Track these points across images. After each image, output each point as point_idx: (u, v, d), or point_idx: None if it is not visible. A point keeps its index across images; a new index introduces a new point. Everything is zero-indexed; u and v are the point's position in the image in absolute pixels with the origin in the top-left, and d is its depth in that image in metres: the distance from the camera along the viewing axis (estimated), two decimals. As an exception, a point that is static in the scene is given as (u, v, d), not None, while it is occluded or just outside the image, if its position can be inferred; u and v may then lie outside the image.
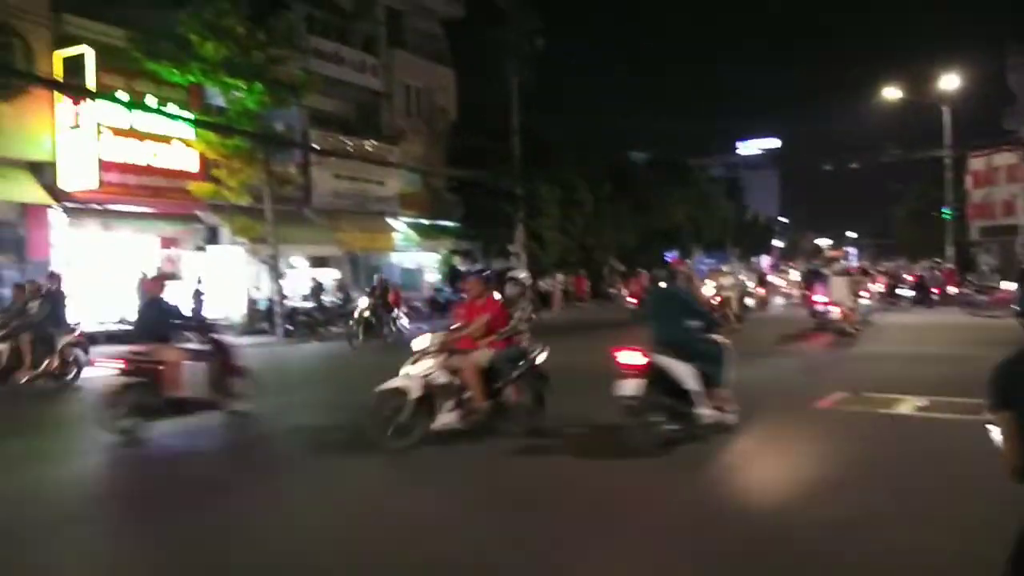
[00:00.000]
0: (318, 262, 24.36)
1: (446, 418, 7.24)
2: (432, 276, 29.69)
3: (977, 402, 8.75)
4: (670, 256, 47.41)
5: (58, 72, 17.16)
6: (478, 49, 28.91)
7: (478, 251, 30.79)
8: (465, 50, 30.08)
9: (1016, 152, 32.88)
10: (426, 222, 28.51)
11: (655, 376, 6.75)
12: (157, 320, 8.37)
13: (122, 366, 8.00)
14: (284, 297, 20.15)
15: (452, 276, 29.73)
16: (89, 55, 17.03)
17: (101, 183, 17.44)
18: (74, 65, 17.09)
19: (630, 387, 6.66)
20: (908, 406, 8.97)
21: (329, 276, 24.12)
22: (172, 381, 8.06)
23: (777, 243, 72.94)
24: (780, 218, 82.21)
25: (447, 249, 29.93)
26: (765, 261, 57.10)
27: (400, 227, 27.35)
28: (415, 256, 28.94)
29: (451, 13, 30.34)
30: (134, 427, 7.79)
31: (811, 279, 21.88)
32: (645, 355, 6.81)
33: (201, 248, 20.72)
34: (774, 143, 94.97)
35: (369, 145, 25.92)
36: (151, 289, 8.84)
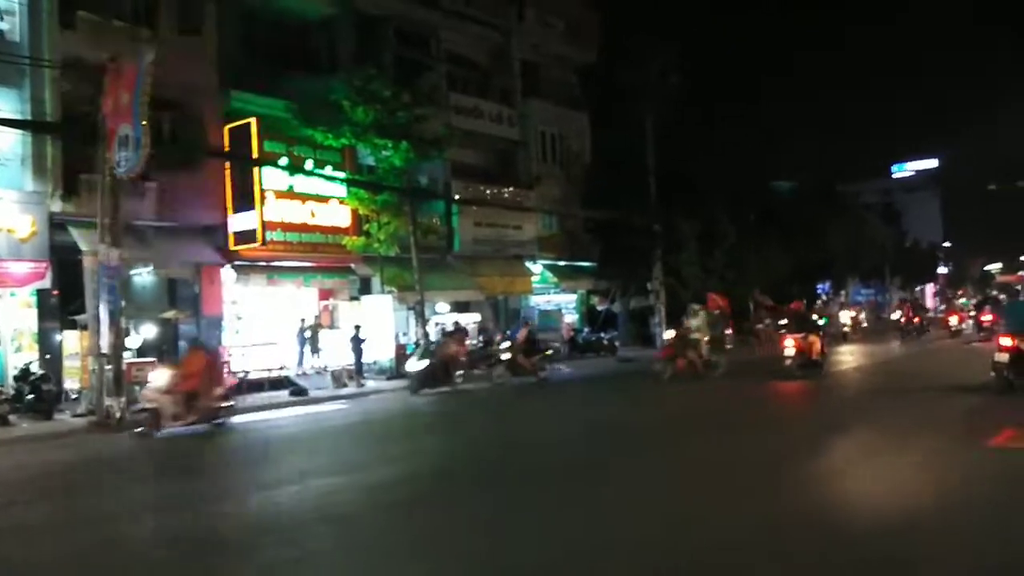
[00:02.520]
0: (461, 307, 25.25)
1: None
2: (571, 316, 29.97)
3: None
4: (823, 287, 45.34)
5: (227, 143, 19.01)
6: (612, 92, 29.33)
7: (616, 290, 30.81)
8: (599, 92, 30.53)
9: None
10: (563, 263, 28.92)
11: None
12: None
13: None
14: (429, 341, 21.02)
15: (591, 316, 29.89)
16: (254, 126, 18.76)
17: (266, 242, 19.01)
18: (241, 136, 18.88)
19: (1002, 356, 12.05)
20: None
21: (471, 320, 24.94)
22: None
23: (941, 270, 67.91)
24: (944, 243, 76.52)
25: (585, 289, 30.16)
26: (929, 289, 53.29)
27: (538, 269, 27.91)
28: (553, 297, 29.35)
29: (585, 60, 30.97)
30: None
31: (983, 306, 21.95)
32: (1013, 340, 12.04)
33: (355, 298, 22.05)
34: (932, 163, 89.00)
35: (507, 192, 26.78)
36: None
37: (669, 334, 19.44)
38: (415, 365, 17.83)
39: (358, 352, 19.27)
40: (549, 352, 20.36)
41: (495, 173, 27.41)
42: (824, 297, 42.04)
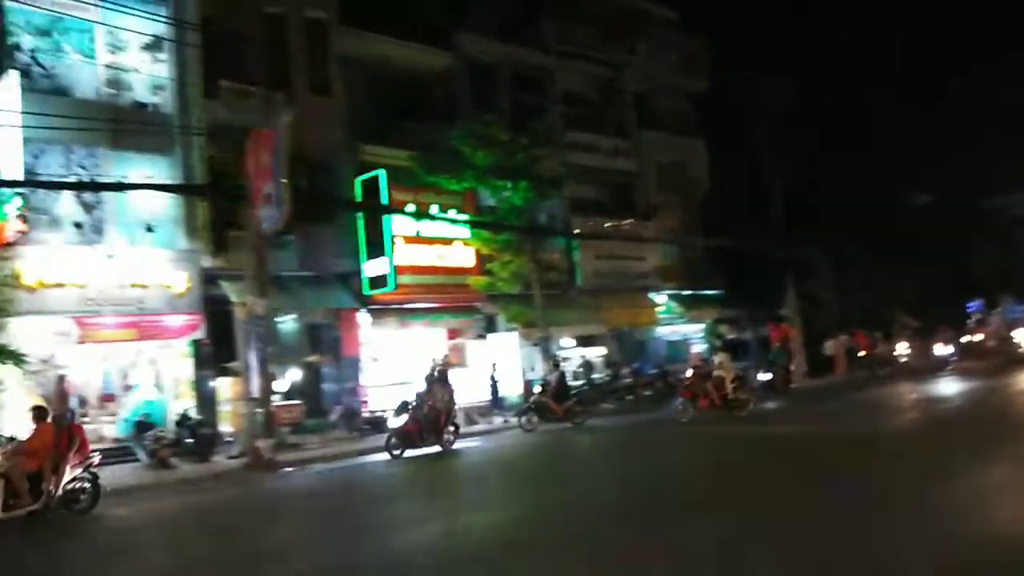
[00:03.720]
0: (585, 341, 25.18)
1: None
2: (699, 346, 29.26)
3: None
4: (973, 306, 42.24)
5: (359, 194, 19.96)
6: (727, 117, 28.84)
7: (744, 319, 29.89)
8: (715, 119, 30.08)
9: None
10: (687, 293, 28.38)
11: None
12: None
13: None
14: (562, 376, 21.03)
15: (721, 345, 29.06)
16: (382, 177, 19.63)
17: (397, 286, 19.71)
18: (370, 186, 19.79)
19: None
20: None
21: (597, 354, 24.82)
22: None
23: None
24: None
25: (711, 318, 29.43)
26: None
27: (661, 300, 27.50)
28: (679, 328, 28.79)
29: (697, 87, 30.67)
30: None
31: None
32: None
33: (481, 336, 22.44)
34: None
35: (625, 224, 26.67)
36: None
37: (688, 372, 17.84)
38: (394, 422, 15.12)
39: (495, 390, 19.49)
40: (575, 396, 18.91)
41: (613, 206, 27.38)
42: (978, 315, 39.08)
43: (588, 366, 23.36)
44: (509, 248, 21.29)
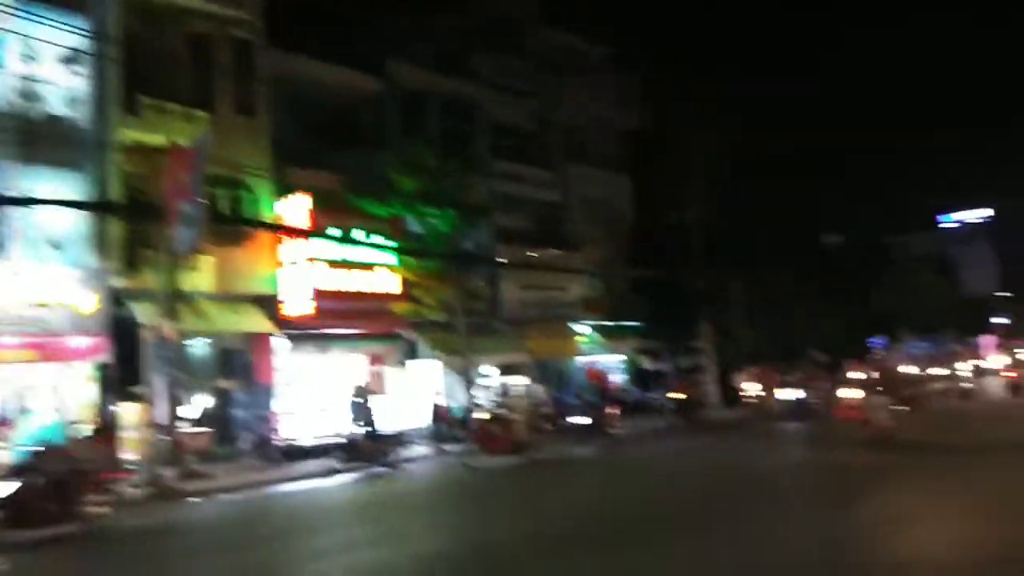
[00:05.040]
0: (508, 370, 25.25)
1: None
2: (619, 377, 29.70)
3: None
4: (877, 343, 44.25)
5: (279, 216, 19.62)
6: (654, 153, 29.65)
7: (663, 350, 30.54)
8: (641, 153, 30.86)
9: None
10: (610, 324, 28.82)
11: None
12: None
13: None
14: (477, 406, 21.03)
15: (639, 376, 29.59)
16: (305, 200, 19.37)
17: (316, 310, 19.40)
18: (292, 209, 19.49)
19: None
20: None
21: (519, 383, 24.88)
22: None
23: (1001, 320, 65.77)
24: (1002, 293, 74.21)
25: (632, 349, 29.95)
26: (987, 341, 51.63)
27: (584, 330, 27.86)
28: (600, 358, 29.18)
29: (627, 124, 31.41)
30: None
31: None
32: None
33: (401, 363, 22.25)
34: (986, 212, 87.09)
35: (551, 255, 26.99)
36: None
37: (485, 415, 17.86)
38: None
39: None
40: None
41: (539, 237, 27.68)
42: (881, 352, 40.92)
43: (507, 395, 23.40)
44: (434, 275, 21.24)
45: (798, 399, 22.14)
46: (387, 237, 21.17)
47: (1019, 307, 75.01)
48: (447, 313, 21.51)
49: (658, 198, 29.55)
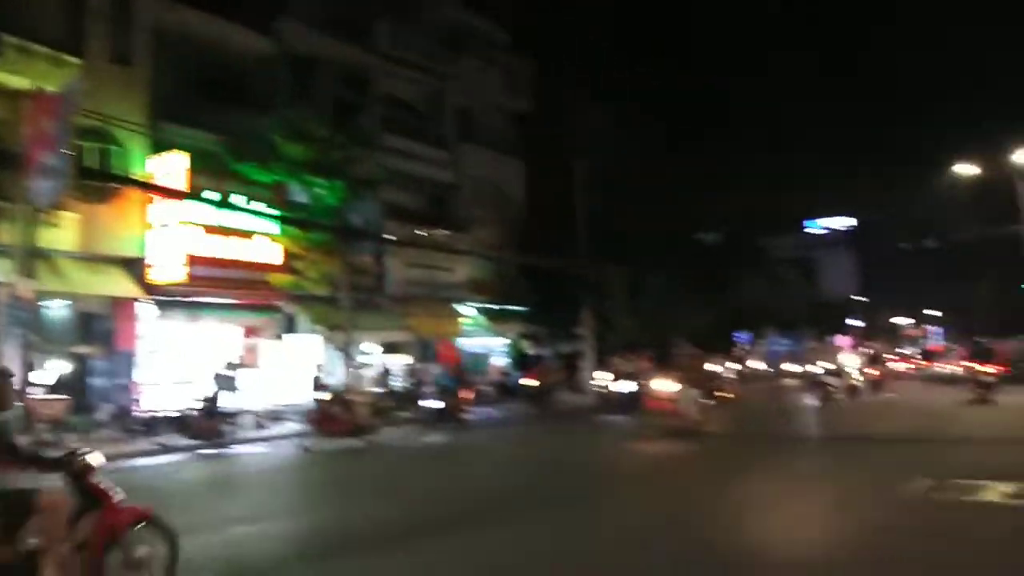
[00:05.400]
0: (390, 348, 24.97)
1: None
2: (501, 360, 29.98)
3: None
4: (742, 337, 46.71)
5: (152, 175, 18.49)
6: (546, 139, 29.96)
7: (545, 335, 31.04)
8: (534, 139, 31.14)
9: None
10: (495, 307, 28.99)
11: None
12: None
13: None
14: (322, 386, 20.62)
15: (521, 360, 29.96)
16: (181, 159, 18.32)
17: (188, 277, 18.45)
18: (168, 168, 18.41)
19: None
20: (995, 493, 8.63)
21: (400, 362, 24.68)
22: None
23: (855, 322, 70.85)
24: (857, 297, 79.94)
25: (515, 333, 30.27)
26: (842, 341, 55.55)
27: (469, 312, 27.90)
28: (484, 340, 29.35)
29: (519, 108, 31.55)
30: None
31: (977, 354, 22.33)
32: None
33: (279, 337, 21.54)
34: (847, 221, 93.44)
35: (440, 234, 26.82)
36: None
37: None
38: None
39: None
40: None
41: (428, 216, 27.45)
42: (746, 347, 43.30)
43: (387, 373, 23.16)
44: (319, 248, 20.62)
45: (630, 391, 21.48)
46: (269, 205, 20.37)
47: (873, 311, 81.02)
48: (330, 287, 20.97)
49: (549, 184, 29.91)
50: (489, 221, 29.49)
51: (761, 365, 39.74)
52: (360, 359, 22.43)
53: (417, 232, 25.95)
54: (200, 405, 15.74)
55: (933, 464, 10.55)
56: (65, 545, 4.89)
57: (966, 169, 33.74)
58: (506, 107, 31.34)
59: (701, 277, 38.34)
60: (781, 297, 48.83)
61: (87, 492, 5.09)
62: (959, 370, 24.28)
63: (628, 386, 21.77)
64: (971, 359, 22.96)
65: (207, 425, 15.50)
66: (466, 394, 19.94)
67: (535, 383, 24.70)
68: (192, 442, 15.25)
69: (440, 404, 19.09)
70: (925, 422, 16.93)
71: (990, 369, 20.84)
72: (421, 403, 19.82)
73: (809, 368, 28.65)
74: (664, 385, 15.97)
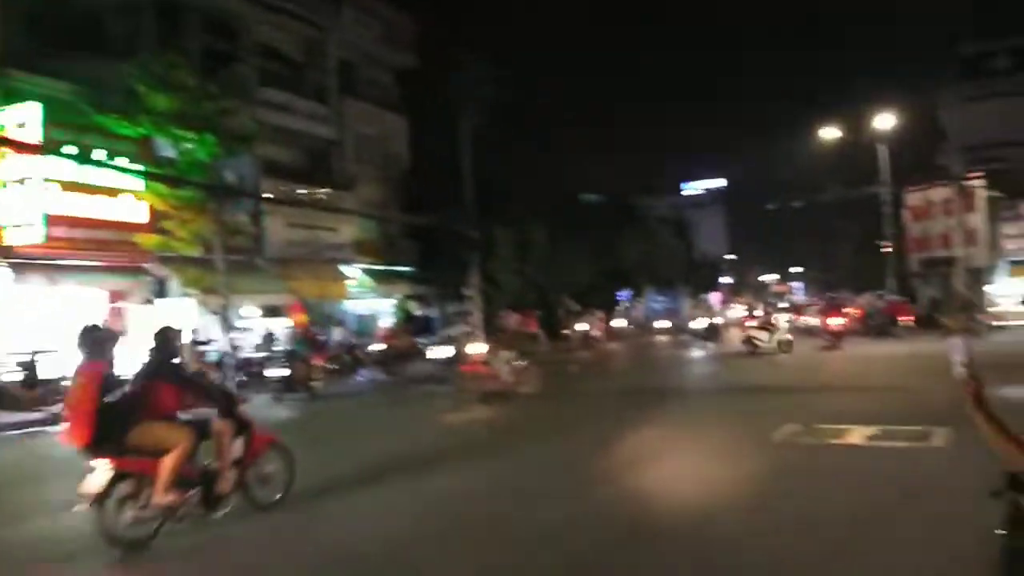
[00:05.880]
0: (271, 312, 24.10)
1: None
2: (388, 322, 29.59)
3: (920, 429, 9.13)
4: (623, 295, 48.16)
5: (3, 127, 16.87)
6: (430, 97, 29.40)
7: (433, 296, 30.85)
8: (418, 97, 30.53)
9: (950, 187, 34.33)
10: (381, 268, 28.49)
11: None
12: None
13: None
14: (235, 348, 19.85)
15: (408, 321, 29.69)
16: (34, 110, 16.80)
17: (47, 237, 17.09)
18: (18, 119, 16.84)
19: None
20: (858, 436, 9.26)
21: (283, 326, 23.87)
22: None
23: (725, 280, 74.40)
24: (728, 256, 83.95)
25: (403, 294, 29.91)
26: (714, 297, 58.24)
27: (354, 274, 27.29)
28: (370, 302, 28.85)
29: (403, 63, 30.78)
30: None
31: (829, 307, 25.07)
32: None
33: (149, 301, 20.36)
34: (720, 183, 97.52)
35: (321, 193, 25.95)
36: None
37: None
38: None
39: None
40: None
41: (309, 173, 26.52)
42: (627, 304, 44.64)
43: (271, 338, 22.38)
44: (189, 206, 19.45)
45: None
46: (134, 160, 19.04)
47: (741, 269, 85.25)
48: (203, 248, 19.90)
49: (434, 142, 29.48)
50: (373, 179, 28.83)
51: (623, 323, 41.23)
52: (240, 324, 21.54)
53: (297, 190, 25.00)
54: (19, 373, 14.22)
55: (800, 411, 11.22)
56: (229, 462, 6.35)
57: (830, 133, 35.86)
58: (389, 61, 30.54)
59: (585, 237, 39.08)
60: (660, 256, 50.45)
61: (238, 421, 6.56)
62: (816, 322, 26.39)
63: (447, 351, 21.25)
64: (824, 313, 25.50)
65: (28, 396, 14.13)
66: (317, 360, 18.24)
67: (383, 346, 23.08)
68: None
69: (286, 372, 17.37)
70: (791, 373, 17.97)
71: (838, 321, 23.66)
72: (267, 372, 18.20)
73: (691, 324, 29.80)
74: (477, 348, 15.95)
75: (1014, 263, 35.54)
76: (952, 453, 8.03)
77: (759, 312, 26.12)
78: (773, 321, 23.85)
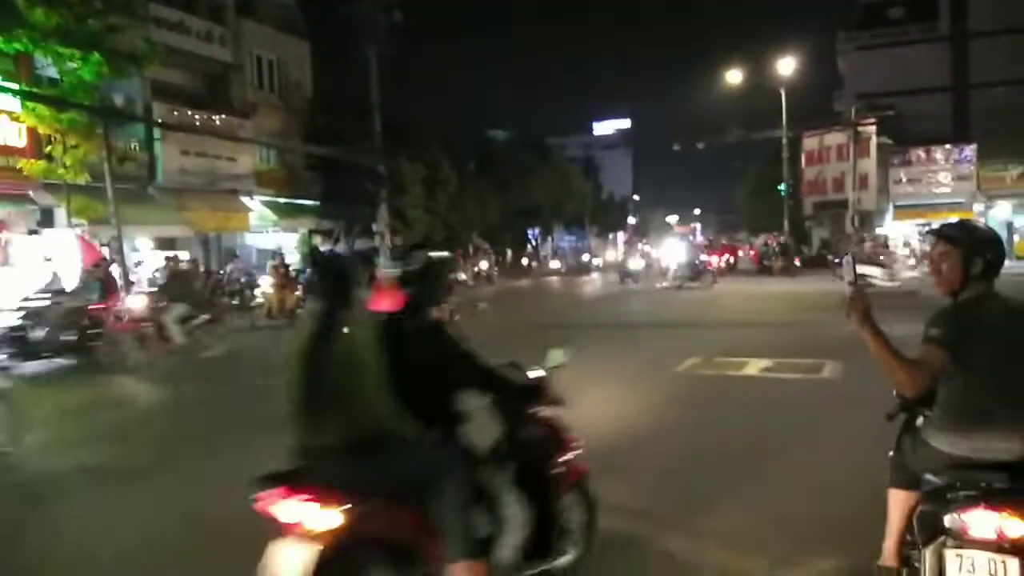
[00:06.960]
0: (165, 244, 23.02)
1: None
2: (291, 256, 28.79)
3: (812, 362, 9.63)
4: (533, 233, 48.46)
5: None
6: (333, 22, 28.18)
7: (340, 230, 30.16)
8: (321, 23, 29.24)
9: (844, 132, 35.68)
10: (283, 201, 27.56)
11: None
12: None
13: None
14: (130, 282, 18.92)
15: (312, 257, 29.00)
16: None
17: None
18: None
19: None
20: (754, 368, 9.70)
21: (182, 259, 22.87)
22: None
23: (631, 220, 75.87)
24: (634, 196, 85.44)
25: (307, 228, 29.11)
26: (620, 237, 59.38)
27: (256, 206, 26.31)
28: (273, 236, 27.95)
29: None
30: None
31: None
32: None
33: (34, 231, 19.09)
34: (626, 124, 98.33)
35: (218, 119, 24.68)
36: None
37: None
38: None
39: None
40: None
41: (205, 98, 25.11)
42: (534, 243, 45.01)
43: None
44: (75, 130, 18.08)
45: None
46: (10, 79, 17.53)
47: (645, 209, 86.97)
48: (91, 176, 18.68)
49: (339, 71, 28.42)
50: (273, 107, 27.61)
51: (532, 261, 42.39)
52: (132, 256, 20.51)
53: (192, 115, 23.68)
54: None
55: (699, 345, 11.64)
56: None
57: (735, 76, 36.52)
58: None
59: (495, 175, 38.86)
60: (569, 195, 50.81)
61: None
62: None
63: None
64: (708, 252, 30.89)
65: None
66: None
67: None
68: None
69: (72, 336, 11.86)
70: (687, 309, 18.66)
71: (715, 259, 29.46)
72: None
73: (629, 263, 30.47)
74: (137, 302, 12.81)
75: (899, 207, 37.57)
76: (841, 384, 8.52)
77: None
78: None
